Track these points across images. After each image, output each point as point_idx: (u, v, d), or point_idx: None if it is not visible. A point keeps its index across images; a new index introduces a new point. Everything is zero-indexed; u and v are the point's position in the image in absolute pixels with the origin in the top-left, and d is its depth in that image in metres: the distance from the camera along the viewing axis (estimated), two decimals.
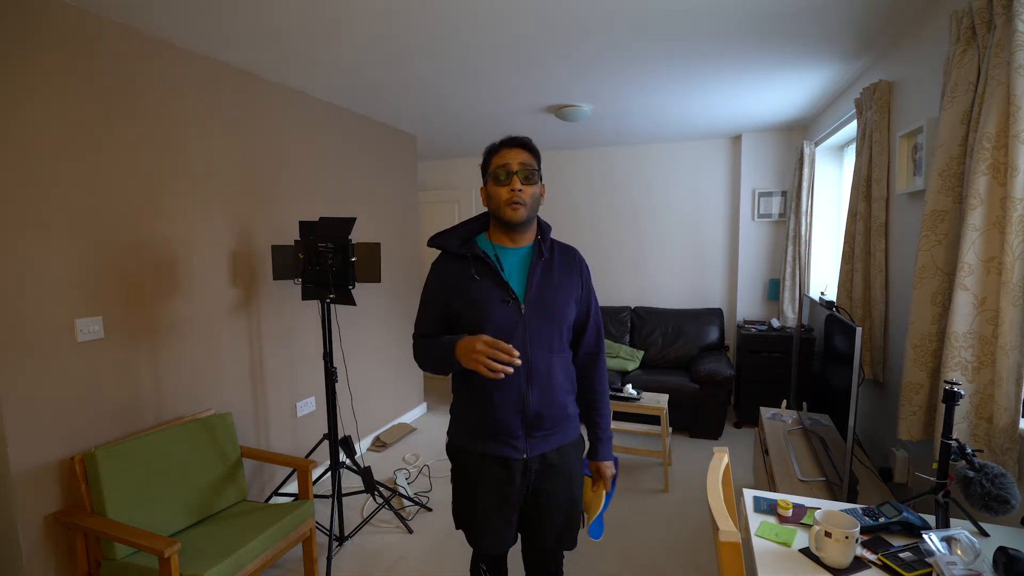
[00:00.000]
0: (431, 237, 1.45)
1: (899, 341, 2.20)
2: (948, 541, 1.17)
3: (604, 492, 1.52)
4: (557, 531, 1.45)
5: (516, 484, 1.39)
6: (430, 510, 2.82)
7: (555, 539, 1.46)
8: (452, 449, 1.49)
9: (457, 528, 1.50)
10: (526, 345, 1.35)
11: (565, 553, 1.69)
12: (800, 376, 2.76)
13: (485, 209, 1.47)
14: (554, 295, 1.39)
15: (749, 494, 1.53)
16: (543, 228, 1.46)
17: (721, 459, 1.43)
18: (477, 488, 1.42)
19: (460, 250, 1.40)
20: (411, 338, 1.52)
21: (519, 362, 1.22)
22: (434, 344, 1.39)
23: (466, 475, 1.45)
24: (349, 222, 2.39)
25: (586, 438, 1.54)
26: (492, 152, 1.40)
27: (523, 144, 1.38)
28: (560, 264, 1.44)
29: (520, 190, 1.33)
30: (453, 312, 1.40)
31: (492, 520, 1.42)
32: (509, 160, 1.35)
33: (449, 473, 1.55)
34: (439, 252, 1.46)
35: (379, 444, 3.67)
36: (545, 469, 1.41)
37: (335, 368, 2.55)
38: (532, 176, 1.36)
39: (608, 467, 1.51)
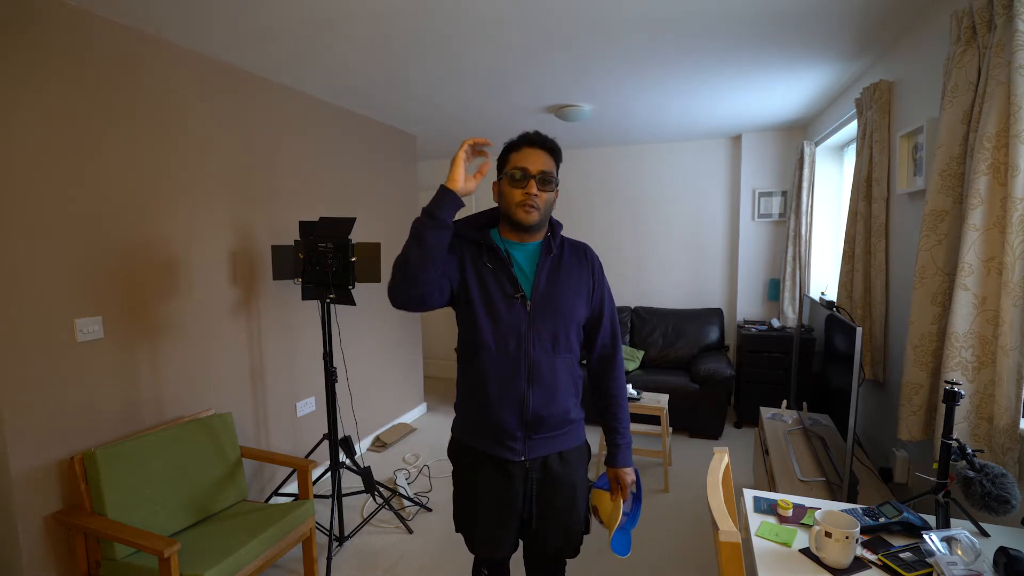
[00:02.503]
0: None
1: (899, 341, 2.20)
2: (948, 541, 1.17)
3: (622, 502, 1.43)
4: (558, 541, 1.43)
5: (516, 490, 1.37)
6: (430, 510, 2.82)
7: (556, 549, 1.44)
8: (453, 448, 1.47)
9: (457, 531, 1.48)
10: (529, 344, 1.32)
11: None
12: (800, 376, 2.76)
13: (493, 205, 1.42)
14: (561, 293, 1.35)
15: (749, 494, 1.53)
16: (554, 225, 1.41)
17: (721, 459, 1.42)
18: (476, 492, 1.40)
19: (476, 237, 1.36)
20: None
21: (491, 143, 1.24)
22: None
23: (466, 478, 1.43)
24: (349, 222, 2.39)
25: (590, 443, 1.49)
26: (512, 148, 1.33)
27: (546, 146, 1.32)
28: (569, 261, 1.39)
29: (536, 195, 1.28)
30: (458, 289, 1.35)
31: (490, 525, 1.39)
32: (528, 163, 1.29)
33: (450, 474, 1.53)
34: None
35: (379, 444, 3.67)
36: (547, 478, 1.38)
37: (335, 368, 2.55)
38: (550, 182, 1.30)
39: (628, 474, 1.43)
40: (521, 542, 1.49)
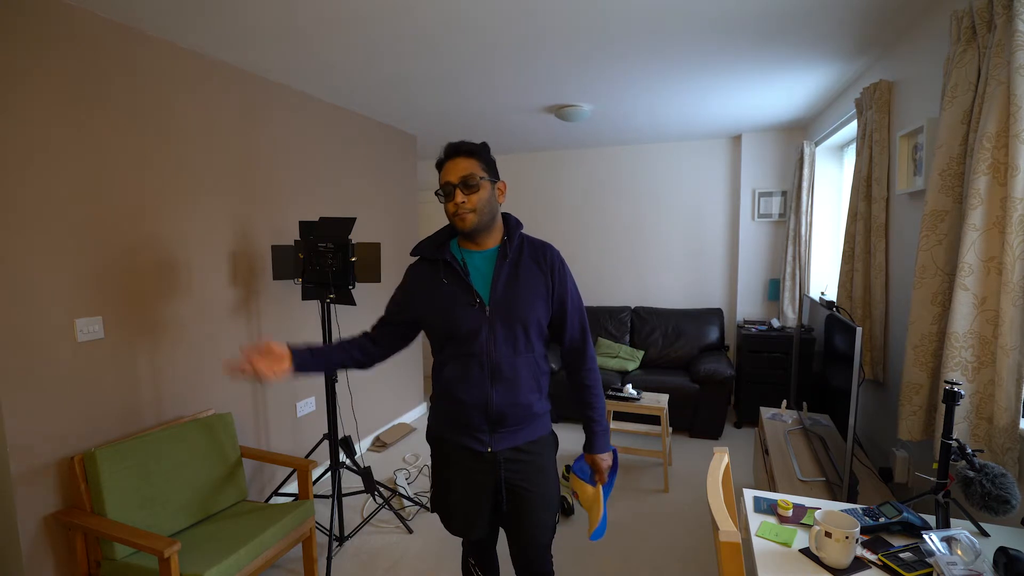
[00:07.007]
0: (414, 247, 1.48)
1: (899, 341, 2.20)
2: (948, 541, 1.17)
3: (601, 488, 1.52)
4: (532, 525, 1.47)
5: (487, 476, 1.43)
6: (430, 510, 2.82)
7: (530, 534, 1.48)
8: (429, 434, 1.54)
9: (431, 511, 1.52)
10: (491, 346, 1.37)
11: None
12: (800, 376, 2.76)
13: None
14: (519, 296, 1.39)
15: (749, 494, 1.53)
16: (511, 226, 1.45)
17: (721, 459, 1.43)
18: (449, 471, 1.47)
19: (434, 254, 1.43)
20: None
21: (246, 369, 1.29)
22: None
23: (441, 459, 1.51)
24: (349, 222, 2.39)
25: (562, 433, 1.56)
26: (438, 167, 1.42)
27: (461, 151, 1.38)
28: (528, 263, 1.43)
29: (463, 202, 1.34)
30: (421, 315, 1.45)
31: (463, 507, 1.47)
32: (448, 175, 1.37)
33: None
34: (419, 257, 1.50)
35: (379, 444, 3.67)
36: (515, 465, 1.44)
37: None
38: (474, 183, 1.35)
39: (604, 459, 1.52)
40: (506, 534, 1.54)
